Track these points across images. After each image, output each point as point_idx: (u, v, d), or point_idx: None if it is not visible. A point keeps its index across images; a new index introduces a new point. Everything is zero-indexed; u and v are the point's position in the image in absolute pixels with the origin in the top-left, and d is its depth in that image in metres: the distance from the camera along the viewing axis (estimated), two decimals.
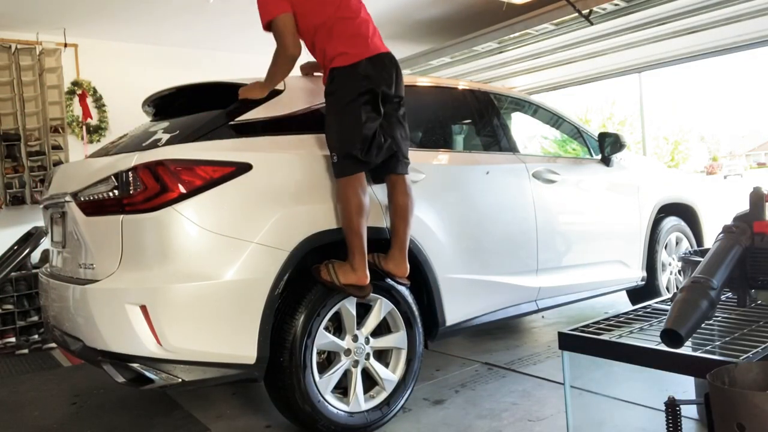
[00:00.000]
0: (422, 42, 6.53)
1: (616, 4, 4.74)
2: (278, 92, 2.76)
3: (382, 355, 2.84)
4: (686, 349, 1.68)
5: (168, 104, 3.14)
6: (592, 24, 4.98)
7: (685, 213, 4.58)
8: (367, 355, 2.72)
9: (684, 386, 2.61)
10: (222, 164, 2.38)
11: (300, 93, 2.83)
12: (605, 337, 1.89)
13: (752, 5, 4.63)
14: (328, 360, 2.71)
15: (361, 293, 2.57)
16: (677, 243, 4.50)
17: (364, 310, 2.74)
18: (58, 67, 5.49)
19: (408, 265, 2.69)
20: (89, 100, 5.79)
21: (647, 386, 3.03)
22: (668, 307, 1.83)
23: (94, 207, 2.46)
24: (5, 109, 5.29)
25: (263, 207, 2.44)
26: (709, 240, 3.97)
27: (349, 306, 2.65)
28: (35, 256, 5.06)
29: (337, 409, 2.60)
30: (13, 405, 3.42)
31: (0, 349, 4.75)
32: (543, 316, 4.65)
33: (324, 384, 2.58)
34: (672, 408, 1.79)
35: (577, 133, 4.17)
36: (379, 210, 2.74)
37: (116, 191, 2.34)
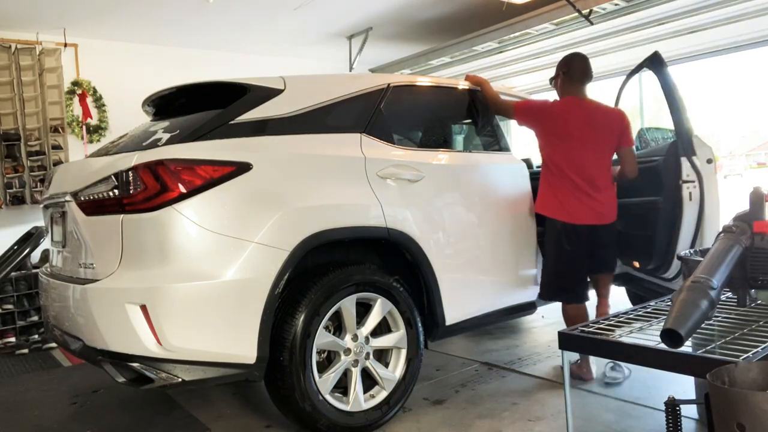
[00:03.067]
0: (422, 42, 6.53)
1: (616, 4, 4.74)
2: (278, 92, 2.76)
3: (382, 355, 2.84)
4: (686, 349, 1.68)
5: (168, 104, 3.14)
6: (592, 24, 4.98)
7: None
8: (367, 354, 2.72)
9: (684, 386, 2.61)
10: (222, 164, 2.38)
11: (300, 93, 2.83)
12: (605, 337, 1.89)
13: (752, 5, 4.63)
14: (328, 359, 2.71)
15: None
16: None
17: (364, 310, 2.75)
18: (58, 67, 5.49)
19: None
20: (89, 100, 5.79)
21: (647, 386, 3.03)
22: (668, 307, 1.83)
23: (94, 206, 2.46)
24: (5, 109, 5.29)
25: (263, 207, 2.44)
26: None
27: (349, 305, 2.65)
28: (35, 255, 5.06)
29: (337, 408, 2.60)
30: (13, 405, 3.42)
31: (0, 349, 4.75)
32: (543, 316, 4.65)
33: (324, 383, 2.58)
34: (672, 408, 1.79)
35: None
36: (379, 210, 2.74)
37: (116, 191, 2.34)
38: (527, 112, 3.42)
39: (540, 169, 3.44)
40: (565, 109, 3.27)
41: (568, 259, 3.21)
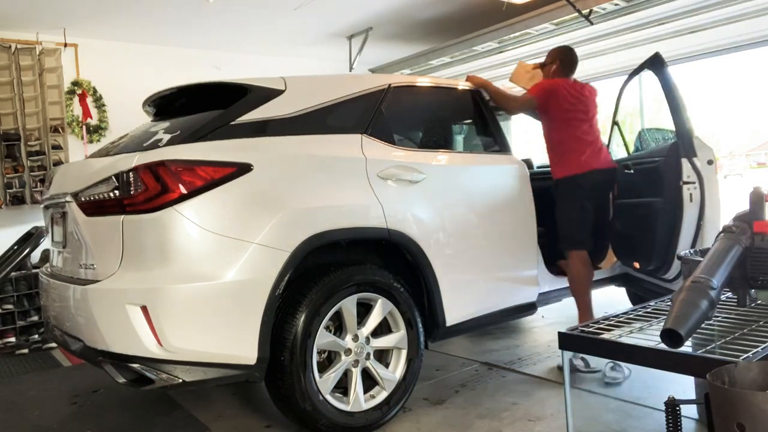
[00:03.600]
0: (422, 42, 6.53)
1: (616, 4, 4.75)
2: (279, 93, 2.76)
3: (383, 355, 2.84)
4: (686, 349, 1.69)
5: (168, 104, 3.14)
6: (592, 24, 4.98)
7: None
8: (368, 354, 2.72)
9: (684, 386, 2.61)
10: (223, 165, 2.38)
11: (301, 94, 2.83)
12: (605, 336, 1.89)
13: (752, 5, 4.63)
14: (328, 359, 2.71)
15: None
16: None
17: (364, 310, 2.75)
18: (58, 67, 5.49)
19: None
20: (89, 100, 5.79)
21: (647, 386, 3.03)
22: (668, 307, 1.83)
23: (94, 207, 2.46)
24: (5, 109, 5.29)
25: (264, 207, 2.44)
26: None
27: (349, 306, 2.65)
28: (35, 256, 5.06)
29: (337, 408, 2.60)
30: (13, 405, 3.42)
31: (0, 349, 4.75)
32: (543, 316, 4.65)
33: (324, 383, 2.58)
34: (672, 408, 1.79)
35: None
36: (380, 211, 2.74)
37: (117, 191, 2.34)
38: (548, 92, 3.58)
39: (540, 169, 3.44)
40: (569, 84, 3.61)
41: (586, 210, 3.53)
